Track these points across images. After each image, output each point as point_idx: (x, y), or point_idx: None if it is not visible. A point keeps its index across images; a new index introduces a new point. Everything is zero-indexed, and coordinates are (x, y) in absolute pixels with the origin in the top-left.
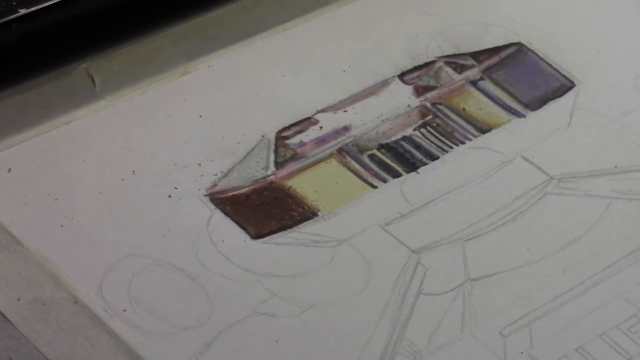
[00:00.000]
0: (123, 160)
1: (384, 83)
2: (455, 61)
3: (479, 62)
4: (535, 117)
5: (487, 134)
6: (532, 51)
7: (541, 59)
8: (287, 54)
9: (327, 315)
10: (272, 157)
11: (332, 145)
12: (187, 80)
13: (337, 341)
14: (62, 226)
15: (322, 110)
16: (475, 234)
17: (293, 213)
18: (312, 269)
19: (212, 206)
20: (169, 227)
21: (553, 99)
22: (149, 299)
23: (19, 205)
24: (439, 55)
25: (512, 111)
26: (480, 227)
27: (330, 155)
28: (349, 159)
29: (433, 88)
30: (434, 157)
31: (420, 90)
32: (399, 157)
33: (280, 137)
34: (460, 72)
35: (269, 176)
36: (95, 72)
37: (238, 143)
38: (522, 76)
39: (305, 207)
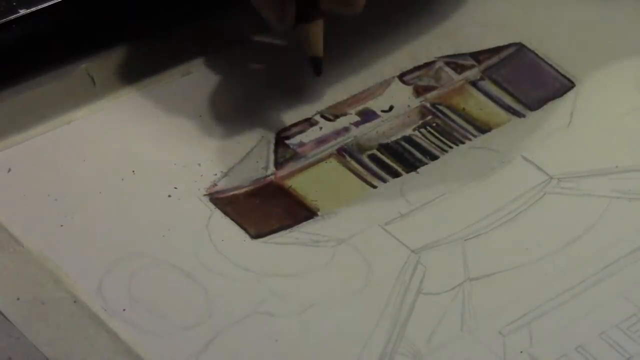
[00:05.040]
0: (123, 160)
1: (384, 83)
2: (455, 61)
3: (479, 62)
4: (535, 117)
5: (487, 134)
6: (532, 51)
7: (541, 59)
8: (287, 54)
9: (327, 314)
10: (272, 157)
11: (332, 145)
12: (187, 80)
13: (337, 341)
14: (62, 226)
15: (322, 111)
16: (475, 233)
17: (293, 213)
18: (311, 268)
19: (212, 206)
20: (169, 227)
21: (553, 98)
22: (148, 298)
23: (19, 205)
24: (439, 55)
25: (512, 111)
26: (480, 227)
27: (330, 156)
28: (348, 159)
29: (433, 88)
30: (433, 157)
31: (420, 91)
32: (399, 157)
33: (280, 138)
34: (460, 72)
35: (268, 176)
36: (95, 72)
37: (238, 143)
38: (522, 76)
39: (305, 207)
